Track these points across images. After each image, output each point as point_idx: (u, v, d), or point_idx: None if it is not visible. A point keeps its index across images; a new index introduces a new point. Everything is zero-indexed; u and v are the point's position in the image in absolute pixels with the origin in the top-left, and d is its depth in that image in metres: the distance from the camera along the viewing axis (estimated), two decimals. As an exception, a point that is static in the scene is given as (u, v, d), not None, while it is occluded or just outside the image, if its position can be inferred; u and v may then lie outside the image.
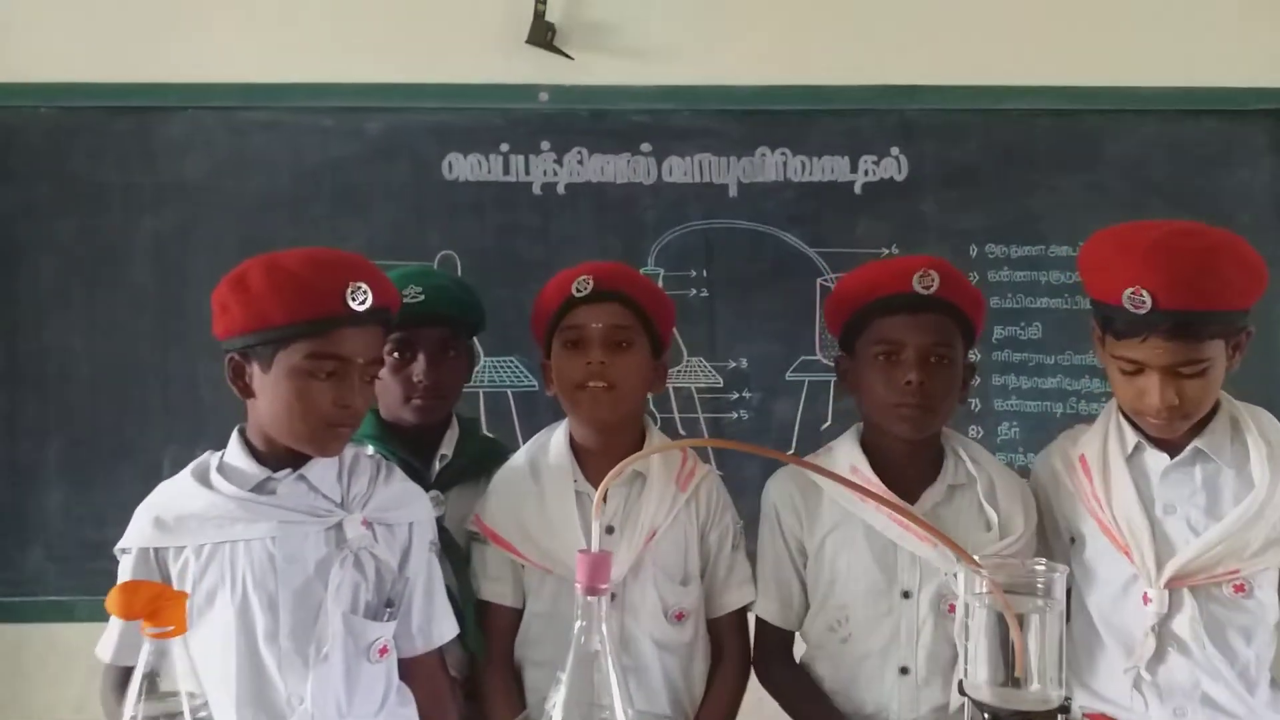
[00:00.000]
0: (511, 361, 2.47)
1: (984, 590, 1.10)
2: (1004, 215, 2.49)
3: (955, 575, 1.36)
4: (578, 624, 1.07)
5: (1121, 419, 1.55)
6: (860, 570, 1.58)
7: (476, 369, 2.44)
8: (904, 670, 1.55)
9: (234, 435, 1.45)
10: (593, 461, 1.60)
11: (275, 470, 1.41)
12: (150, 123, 2.45)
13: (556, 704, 1.08)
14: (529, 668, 1.61)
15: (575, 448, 1.63)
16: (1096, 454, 1.55)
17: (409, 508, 1.51)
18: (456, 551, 1.61)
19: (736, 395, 2.49)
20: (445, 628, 1.53)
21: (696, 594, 1.63)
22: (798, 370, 2.50)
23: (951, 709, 1.52)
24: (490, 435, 2.06)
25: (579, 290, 1.57)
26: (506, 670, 1.60)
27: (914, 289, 1.53)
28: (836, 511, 1.61)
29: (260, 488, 1.40)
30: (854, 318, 1.60)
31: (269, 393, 1.38)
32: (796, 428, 2.49)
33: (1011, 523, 1.55)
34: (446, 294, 1.72)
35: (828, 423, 2.48)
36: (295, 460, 1.41)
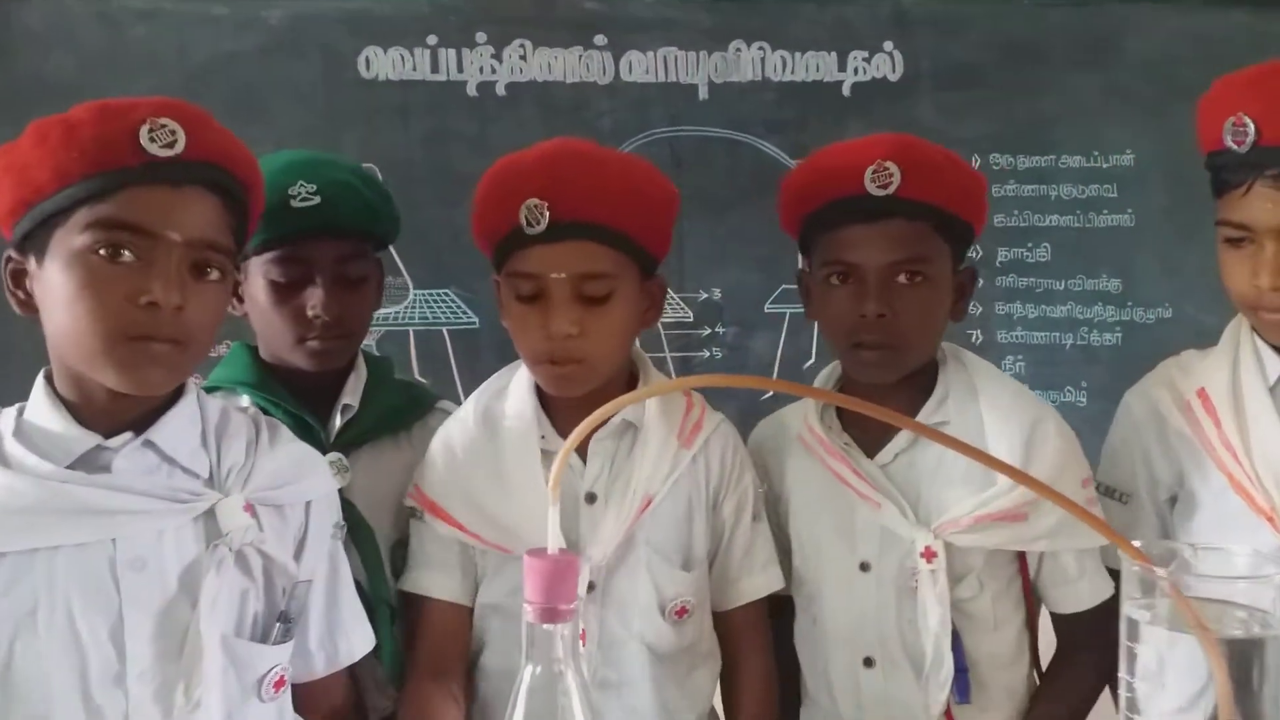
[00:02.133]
0: (446, 295, 2.12)
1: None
2: (1011, 121, 2.21)
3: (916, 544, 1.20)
4: (525, 667, 0.76)
5: (1258, 340, 1.22)
6: (819, 536, 1.30)
7: (405, 303, 2.11)
8: (868, 662, 1.27)
9: (38, 383, 1.04)
10: (566, 411, 1.24)
11: (106, 435, 1.02)
12: (3, 11, 2.03)
13: None
14: (483, 679, 1.28)
15: (542, 394, 1.27)
16: (1224, 386, 1.21)
17: (304, 481, 1.14)
18: (365, 534, 1.26)
19: (708, 331, 2.18)
20: (356, 640, 1.19)
21: (702, 583, 1.29)
22: (778, 301, 2.19)
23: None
24: (410, 379, 1.68)
25: (530, 224, 1.15)
26: (446, 693, 1.23)
27: (867, 189, 1.18)
28: (801, 467, 1.32)
29: (87, 462, 1.01)
30: (803, 228, 1.27)
31: (49, 294, 0.99)
32: (776, 366, 2.19)
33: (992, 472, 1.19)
34: (351, 194, 1.31)
35: (811, 360, 2.19)
36: (134, 418, 1.03)
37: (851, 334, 1.21)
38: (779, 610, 1.37)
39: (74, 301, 0.97)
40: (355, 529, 1.26)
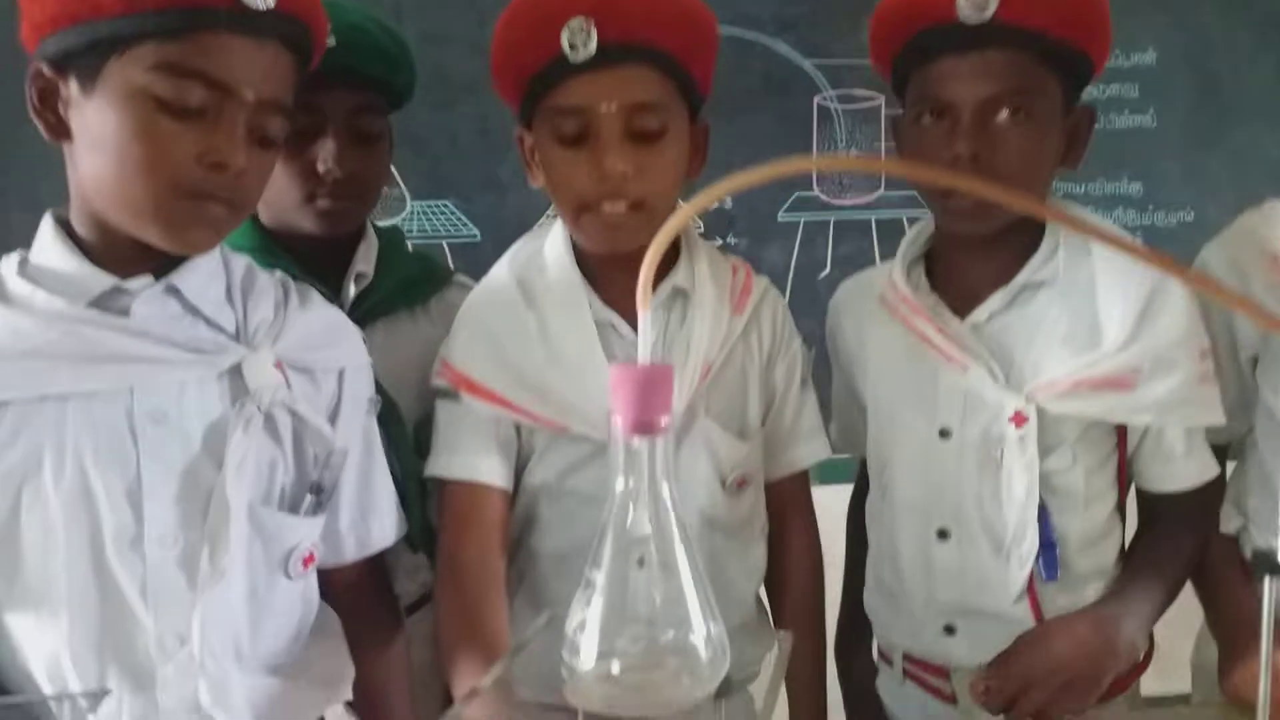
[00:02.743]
0: (445, 207, 2.01)
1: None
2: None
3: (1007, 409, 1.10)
4: (618, 484, 0.66)
5: None
6: (897, 402, 1.21)
7: (401, 215, 2.00)
8: (942, 534, 1.18)
9: (45, 225, 0.93)
10: (609, 276, 1.13)
11: (122, 278, 0.91)
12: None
13: (590, 617, 0.69)
14: (532, 562, 1.18)
15: (582, 259, 1.16)
16: None
17: (338, 347, 1.04)
18: (389, 410, 1.15)
19: (720, 241, 2.08)
20: (388, 525, 1.09)
21: (759, 452, 1.21)
22: (791, 209, 2.10)
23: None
24: (423, 252, 1.53)
25: (573, 48, 1.02)
26: (488, 591, 1.11)
27: (960, 15, 1.05)
28: (882, 329, 1.23)
29: (104, 304, 0.90)
30: (894, 63, 1.15)
31: (93, 130, 0.87)
32: (790, 277, 2.10)
33: (1105, 330, 1.10)
34: (368, 40, 1.19)
35: (826, 270, 2.10)
36: (152, 263, 0.92)
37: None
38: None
39: (128, 146, 0.85)
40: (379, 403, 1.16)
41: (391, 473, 1.12)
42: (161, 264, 0.92)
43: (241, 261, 1.01)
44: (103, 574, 0.90)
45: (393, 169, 1.97)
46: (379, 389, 1.13)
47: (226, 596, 0.94)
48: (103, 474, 0.89)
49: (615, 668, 0.68)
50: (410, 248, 1.38)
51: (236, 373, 0.94)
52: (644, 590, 0.69)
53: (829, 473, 1.35)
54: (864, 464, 1.33)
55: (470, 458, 1.13)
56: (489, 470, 1.13)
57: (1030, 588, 1.14)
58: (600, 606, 0.68)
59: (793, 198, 2.09)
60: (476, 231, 2.01)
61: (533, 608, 1.18)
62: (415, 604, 1.26)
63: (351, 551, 1.07)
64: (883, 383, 1.23)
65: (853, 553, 1.38)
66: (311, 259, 1.21)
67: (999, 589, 1.14)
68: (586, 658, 0.68)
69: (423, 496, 1.17)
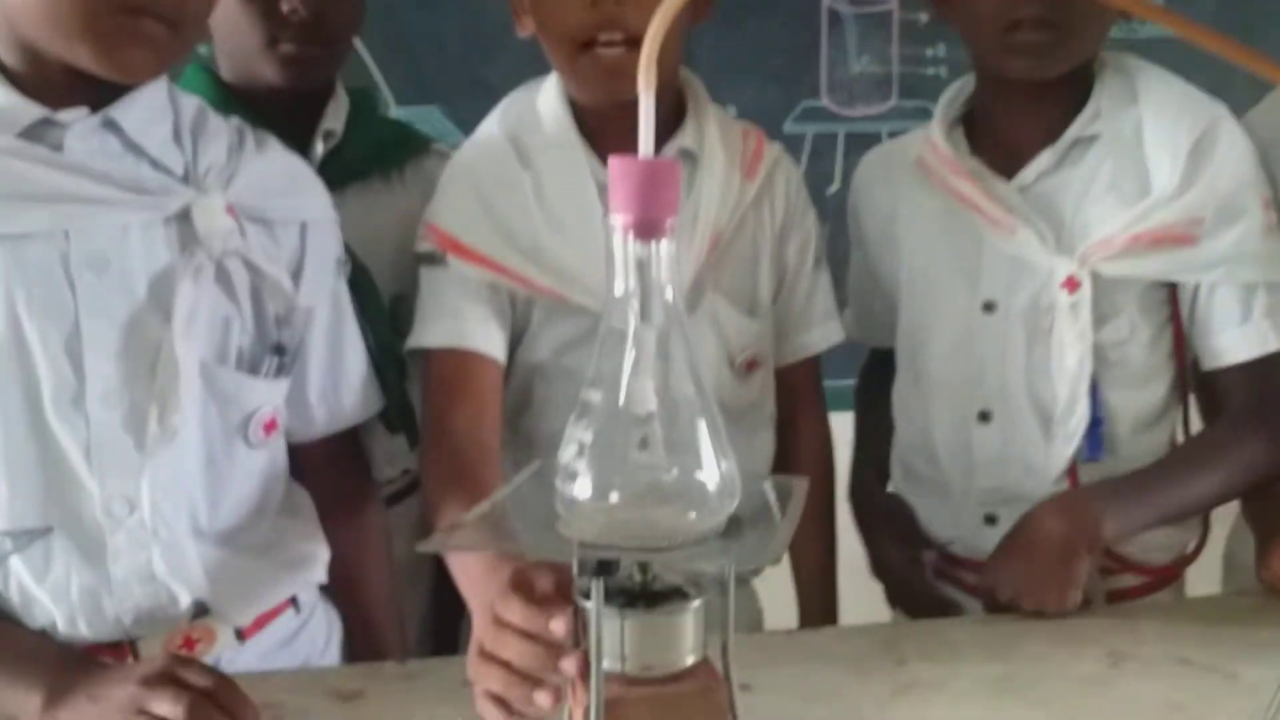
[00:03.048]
0: (432, 112, 1.90)
1: None
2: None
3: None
4: (616, 287, 0.59)
5: None
6: (935, 275, 1.11)
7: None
8: (984, 416, 1.08)
9: None
10: (610, 134, 1.02)
11: (54, 108, 0.81)
12: None
13: (587, 443, 0.60)
14: (526, 447, 1.09)
15: (579, 116, 1.05)
16: None
17: (300, 196, 0.95)
18: (363, 278, 1.04)
19: (722, 153, 1.97)
20: (362, 398, 1.00)
21: (769, 331, 1.12)
22: (799, 120, 1.99)
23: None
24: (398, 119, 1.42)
25: None
26: (479, 455, 0.99)
27: None
28: (918, 197, 1.12)
29: (35, 138, 0.81)
30: None
31: None
32: (798, 192, 1.99)
33: (1155, 178, 1.00)
34: None
35: (835, 185, 1.99)
36: (88, 96, 0.81)
37: (1008, 9, 0.97)
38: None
39: None
40: (351, 272, 1.05)
41: (366, 348, 1.02)
42: (99, 97, 0.82)
43: (192, 102, 0.91)
44: (43, 435, 0.81)
45: (375, 70, 1.89)
46: (351, 257, 1.02)
47: (179, 461, 0.85)
48: (38, 325, 0.80)
49: (614, 497, 0.58)
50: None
51: (185, 219, 0.84)
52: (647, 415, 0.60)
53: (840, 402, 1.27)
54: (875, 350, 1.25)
55: (458, 323, 1.02)
56: (480, 337, 1.01)
57: (1072, 470, 1.04)
58: (598, 432, 0.59)
59: (800, 108, 1.98)
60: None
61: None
62: (396, 495, 1.16)
63: (322, 424, 0.97)
64: (919, 256, 1.13)
65: (863, 430, 1.29)
66: (275, 116, 1.08)
67: (1043, 472, 1.04)
68: (582, 487, 0.58)
69: (401, 375, 1.06)
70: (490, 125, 1.08)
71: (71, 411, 0.80)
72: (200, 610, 0.89)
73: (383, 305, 1.07)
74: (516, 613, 0.68)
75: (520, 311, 1.05)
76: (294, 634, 0.98)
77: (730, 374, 1.07)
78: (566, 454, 0.59)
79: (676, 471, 0.59)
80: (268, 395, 0.90)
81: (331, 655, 1.02)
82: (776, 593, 1.19)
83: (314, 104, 1.15)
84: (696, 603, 0.59)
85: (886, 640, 0.94)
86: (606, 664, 0.59)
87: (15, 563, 0.82)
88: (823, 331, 1.15)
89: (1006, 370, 1.06)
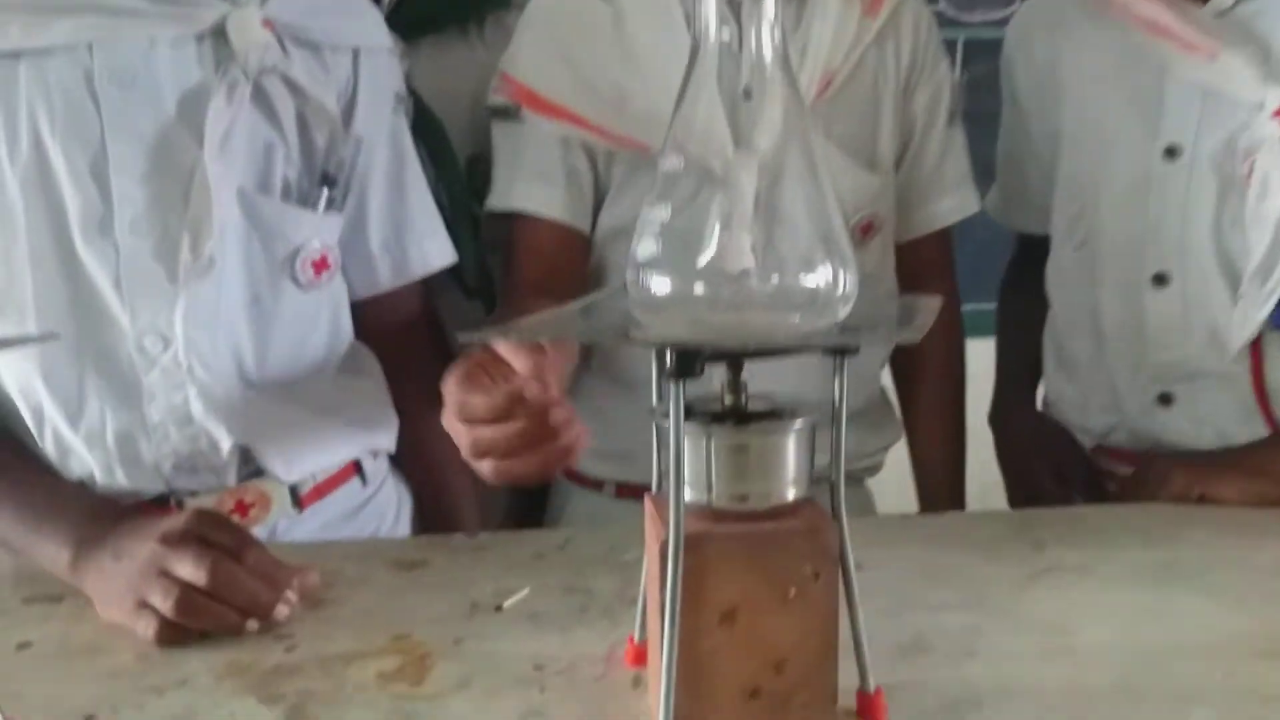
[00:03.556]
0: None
1: None
2: None
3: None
4: (709, 32, 0.46)
5: None
6: (1108, 121, 0.95)
7: None
8: (1159, 279, 0.92)
9: None
10: None
11: None
12: None
13: (666, 225, 0.49)
14: None
15: None
16: None
17: (350, 19, 0.85)
18: (435, 130, 0.95)
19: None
20: (430, 248, 0.91)
21: (890, 193, 0.99)
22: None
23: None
24: None
25: None
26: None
27: None
28: (1089, 35, 0.96)
29: None
30: None
31: None
32: None
33: None
34: None
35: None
36: None
37: None
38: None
39: None
40: (423, 126, 0.96)
41: (440, 208, 0.93)
42: None
43: None
44: (72, 266, 0.74)
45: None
46: (424, 111, 0.93)
47: (218, 297, 0.77)
48: (62, 146, 0.73)
49: (699, 288, 0.47)
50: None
51: (220, 36, 0.76)
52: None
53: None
54: (1023, 237, 1.10)
55: (533, 187, 0.93)
56: (556, 202, 0.93)
57: (1255, 344, 0.89)
58: (683, 212, 0.48)
59: None
60: None
61: (608, 379, 0.98)
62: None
63: (387, 276, 0.89)
64: (1088, 104, 0.97)
65: (1009, 341, 1.14)
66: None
67: (1228, 342, 0.89)
68: (660, 281, 0.47)
69: (476, 235, 0.97)
70: None
71: (100, 239, 0.74)
72: (254, 470, 0.82)
73: (457, 161, 0.98)
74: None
75: (603, 170, 0.95)
76: (359, 506, 0.90)
77: None
78: (644, 244, 0.48)
79: (776, 278, 0.48)
80: (315, 230, 0.82)
81: (402, 532, 0.94)
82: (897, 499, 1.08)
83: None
84: (800, 422, 0.48)
85: (1022, 524, 0.82)
86: (688, 493, 0.48)
87: (49, 408, 0.76)
88: (956, 200, 1.02)
89: (1190, 224, 0.90)
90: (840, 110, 0.94)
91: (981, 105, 1.11)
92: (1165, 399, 0.94)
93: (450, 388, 0.58)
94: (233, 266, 0.77)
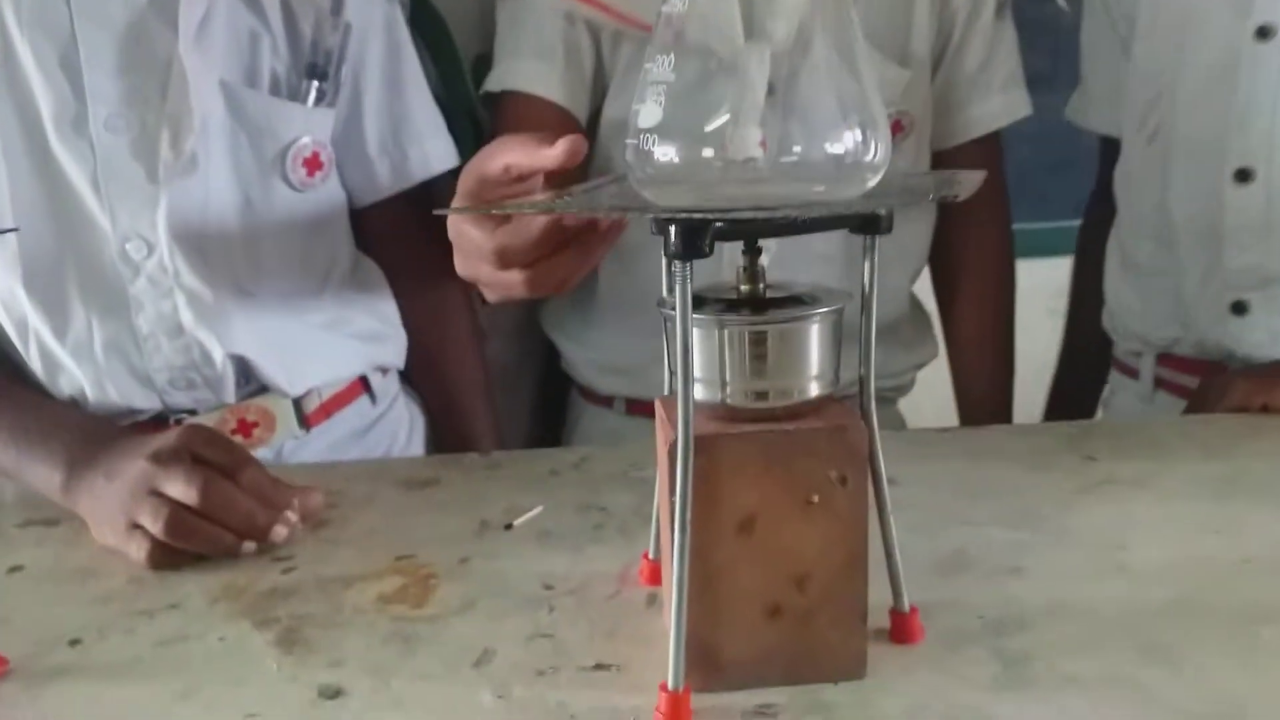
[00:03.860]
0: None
1: None
2: None
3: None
4: None
5: None
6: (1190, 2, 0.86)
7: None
8: (1243, 175, 0.84)
9: None
10: None
11: None
12: None
13: (668, 83, 0.43)
14: None
15: None
16: None
17: None
18: (437, 28, 0.89)
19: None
20: (431, 150, 0.85)
21: (924, 90, 0.90)
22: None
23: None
24: None
25: None
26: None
27: None
28: None
29: None
30: None
31: None
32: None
33: None
34: None
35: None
36: None
37: None
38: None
39: None
40: (423, 20, 0.90)
41: (444, 110, 0.87)
42: None
43: None
44: (48, 166, 0.70)
45: None
46: (424, 3, 0.87)
47: (204, 198, 0.73)
48: (30, 38, 0.68)
49: (708, 156, 0.41)
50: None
51: None
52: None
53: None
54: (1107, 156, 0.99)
55: (529, 63, 0.86)
56: (553, 82, 0.86)
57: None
58: (688, 70, 0.42)
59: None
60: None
61: (615, 291, 0.92)
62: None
63: (386, 180, 0.84)
64: None
65: (1081, 286, 1.06)
66: None
67: None
68: (665, 149, 0.42)
69: (480, 138, 0.91)
70: None
71: (74, 138, 0.69)
72: (256, 388, 0.78)
73: (460, 59, 0.92)
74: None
75: (607, 56, 0.88)
76: (369, 425, 0.87)
77: None
78: (646, 109, 0.42)
79: (798, 149, 0.42)
80: (305, 125, 0.76)
81: (414, 451, 0.91)
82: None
83: None
84: (823, 310, 0.43)
85: (1071, 437, 0.76)
86: (699, 391, 0.43)
87: (33, 319, 0.72)
88: (1004, 101, 0.93)
89: None
90: None
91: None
92: (1239, 307, 0.86)
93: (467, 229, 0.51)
94: (218, 165, 0.73)
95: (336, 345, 0.81)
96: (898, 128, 0.89)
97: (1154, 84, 0.89)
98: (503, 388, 0.98)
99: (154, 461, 0.62)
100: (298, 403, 0.80)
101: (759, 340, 0.42)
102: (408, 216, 0.86)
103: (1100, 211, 1.00)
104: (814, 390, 0.43)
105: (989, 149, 0.96)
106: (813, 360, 0.43)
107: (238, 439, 0.78)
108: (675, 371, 0.41)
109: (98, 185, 0.70)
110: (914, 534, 0.58)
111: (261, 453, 0.80)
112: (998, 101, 0.93)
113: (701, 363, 0.43)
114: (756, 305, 0.43)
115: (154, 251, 0.71)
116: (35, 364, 0.74)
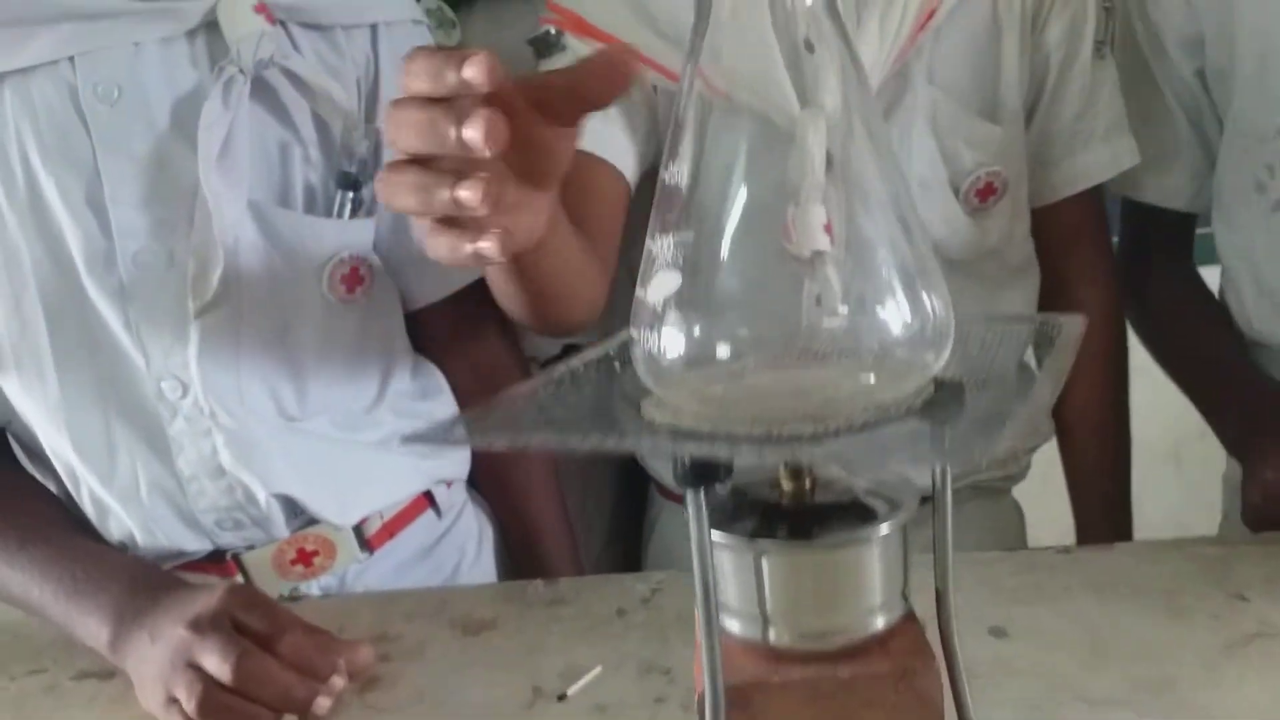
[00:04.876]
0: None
1: None
2: None
3: None
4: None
5: None
6: None
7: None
8: None
9: None
10: None
11: None
12: None
13: (685, 264, 0.36)
14: None
15: None
16: None
17: None
18: None
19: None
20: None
21: (1019, 146, 0.81)
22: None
23: None
24: None
25: None
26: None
27: None
28: None
29: None
30: None
31: None
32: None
33: None
34: None
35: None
36: None
37: None
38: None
39: None
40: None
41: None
42: None
43: None
44: (83, 308, 0.67)
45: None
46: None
47: (238, 330, 0.69)
48: (55, 175, 0.65)
49: (723, 350, 0.35)
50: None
51: (214, 29, 0.67)
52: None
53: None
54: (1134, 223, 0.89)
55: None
56: (605, 141, 0.76)
57: None
58: (706, 244, 0.36)
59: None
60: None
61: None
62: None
63: (434, 284, 0.79)
64: (1274, 12, 0.75)
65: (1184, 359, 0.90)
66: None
67: None
68: (674, 337, 0.35)
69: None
70: None
71: (105, 275, 0.66)
72: (309, 518, 0.74)
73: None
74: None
75: (664, 115, 0.79)
76: (435, 541, 0.82)
77: (957, 205, 0.78)
78: (655, 284, 0.36)
79: (844, 312, 0.35)
80: (341, 240, 0.72)
81: (485, 564, 0.85)
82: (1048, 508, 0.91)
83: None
84: (888, 525, 0.36)
85: (1218, 563, 0.65)
86: (737, 628, 0.36)
87: (79, 468, 0.70)
88: (1109, 151, 0.82)
89: None
90: (949, 47, 0.77)
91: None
92: None
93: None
94: (251, 292, 0.68)
95: (393, 466, 0.77)
96: (990, 190, 0.80)
97: (1272, 145, 0.77)
98: (578, 486, 0.93)
99: (193, 630, 0.59)
100: (358, 526, 0.76)
101: (806, 570, 0.35)
102: (467, 317, 0.81)
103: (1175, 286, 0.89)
104: (877, 624, 0.36)
105: (1091, 203, 0.86)
106: (875, 588, 0.36)
107: (298, 569, 0.74)
108: (698, 608, 0.34)
109: (130, 325, 0.67)
110: (1020, 715, 0.50)
111: (325, 579, 0.76)
112: (1101, 152, 0.83)
113: (735, 592, 0.36)
114: (801, 518, 0.36)
115: (189, 391, 0.68)
116: (87, 508, 0.72)
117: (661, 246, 0.36)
